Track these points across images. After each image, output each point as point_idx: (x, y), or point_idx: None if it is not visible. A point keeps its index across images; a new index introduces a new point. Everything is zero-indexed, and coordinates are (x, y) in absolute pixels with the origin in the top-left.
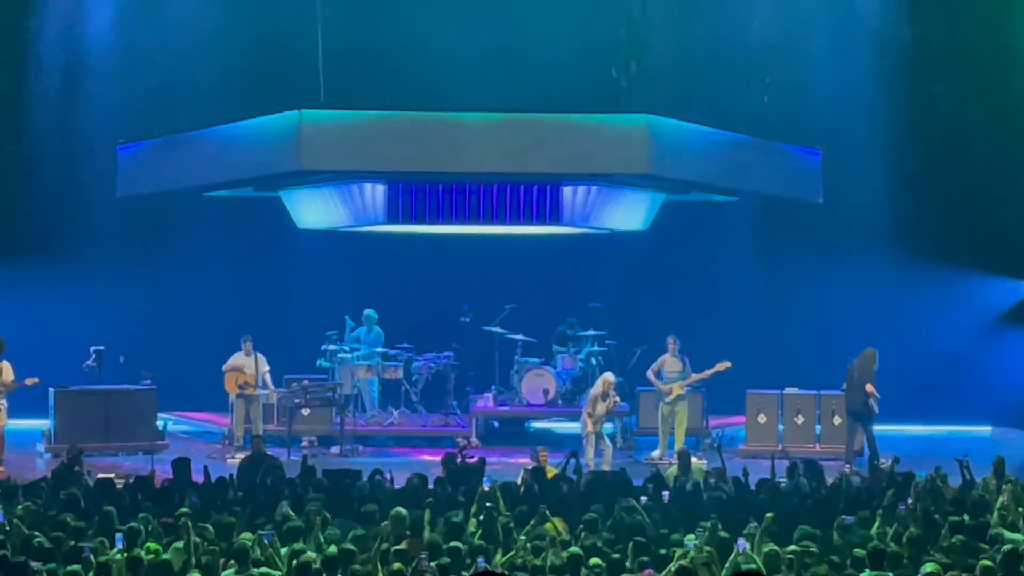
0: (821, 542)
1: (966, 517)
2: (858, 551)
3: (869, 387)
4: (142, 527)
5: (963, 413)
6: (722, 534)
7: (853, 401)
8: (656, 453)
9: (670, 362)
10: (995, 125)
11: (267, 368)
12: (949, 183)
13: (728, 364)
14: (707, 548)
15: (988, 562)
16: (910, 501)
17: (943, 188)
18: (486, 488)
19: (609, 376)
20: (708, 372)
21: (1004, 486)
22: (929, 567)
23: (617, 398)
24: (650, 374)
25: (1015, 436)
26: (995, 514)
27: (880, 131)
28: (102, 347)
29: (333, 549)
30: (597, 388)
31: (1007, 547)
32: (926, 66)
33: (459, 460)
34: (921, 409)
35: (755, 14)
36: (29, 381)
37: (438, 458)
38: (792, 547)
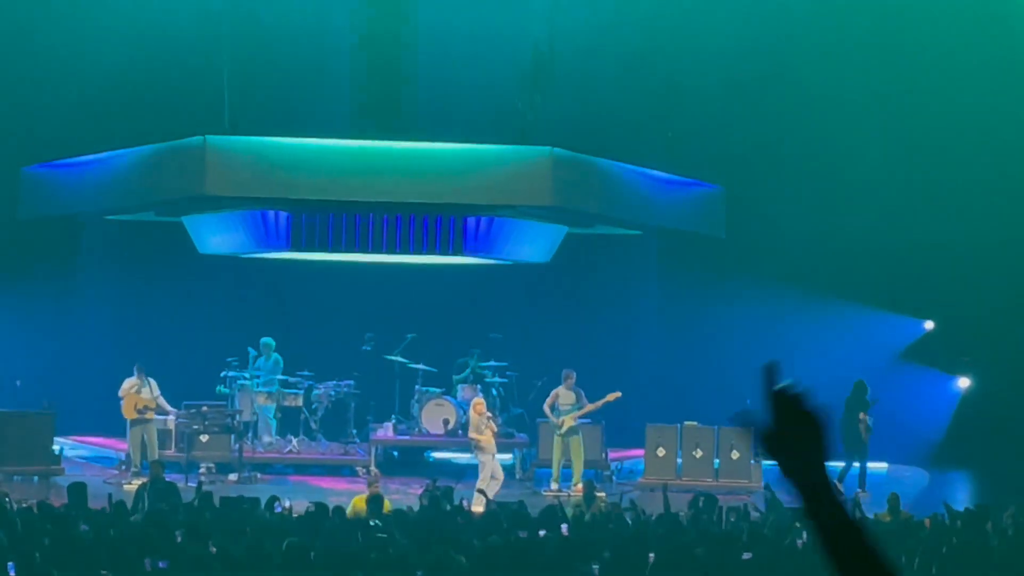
0: None
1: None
2: None
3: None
4: (37, 553)
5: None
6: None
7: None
8: (553, 485)
9: (564, 395)
10: (897, 163)
11: (158, 392)
12: (850, 220)
13: (618, 394)
14: None
15: None
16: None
17: (844, 225)
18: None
19: (477, 398)
20: (599, 403)
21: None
22: None
23: (489, 414)
24: (546, 407)
25: (911, 473)
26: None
27: (782, 167)
28: None
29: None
30: (473, 418)
31: None
32: (828, 104)
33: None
34: None
35: (660, 50)
36: None
37: (337, 486)
38: None
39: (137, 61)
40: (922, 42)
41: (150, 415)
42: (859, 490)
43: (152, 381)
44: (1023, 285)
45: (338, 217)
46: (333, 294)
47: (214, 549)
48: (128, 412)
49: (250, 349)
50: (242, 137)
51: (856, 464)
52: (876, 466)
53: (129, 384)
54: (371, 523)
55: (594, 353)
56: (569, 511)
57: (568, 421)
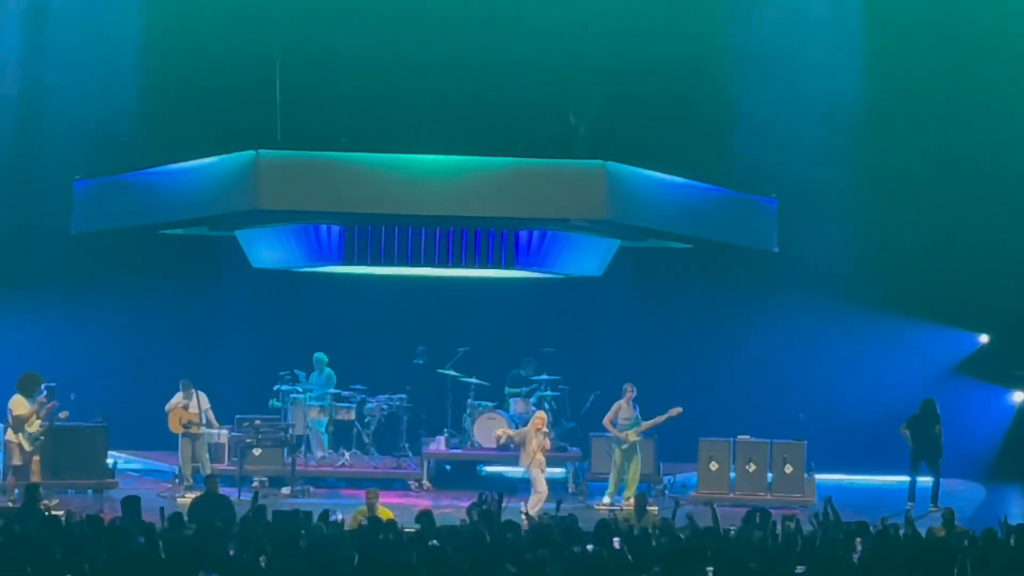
0: None
1: (917, 567)
2: None
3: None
4: (86, 565)
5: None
6: None
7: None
8: (606, 499)
9: (625, 409)
10: (949, 177)
11: (208, 405)
12: (904, 234)
13: (679, 410)
14: None
15: None
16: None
17: (898, 238)
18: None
19: (539, 412)
20: (661, 418)
21: None
22: None
23: (545, 430)
24: (606, 422)
25: (964, 487)
26: None
27: (836, 181)
28: (53, 384)
29: None
30: (528, 432)
31: None
32: (883, 118)
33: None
34: (872, 458)
35: (714, 63)
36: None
37: (390, 500)
38: None
39: (189, 75)
40: (978, 54)
41: (195, 429)
42: (932, 506)
43: (202, 395)
44: None
45: (390, 231)
46: (385, 308)
47: (264, 561)
48: (174, 427)
49: (299, 372)
50: (294, 151)
51: (923, 479)
52: (929, 480)
53: (175, 400)
54: (430, 543)
55: (646, 367)
56: (620, 524)
57: (632, 436)
